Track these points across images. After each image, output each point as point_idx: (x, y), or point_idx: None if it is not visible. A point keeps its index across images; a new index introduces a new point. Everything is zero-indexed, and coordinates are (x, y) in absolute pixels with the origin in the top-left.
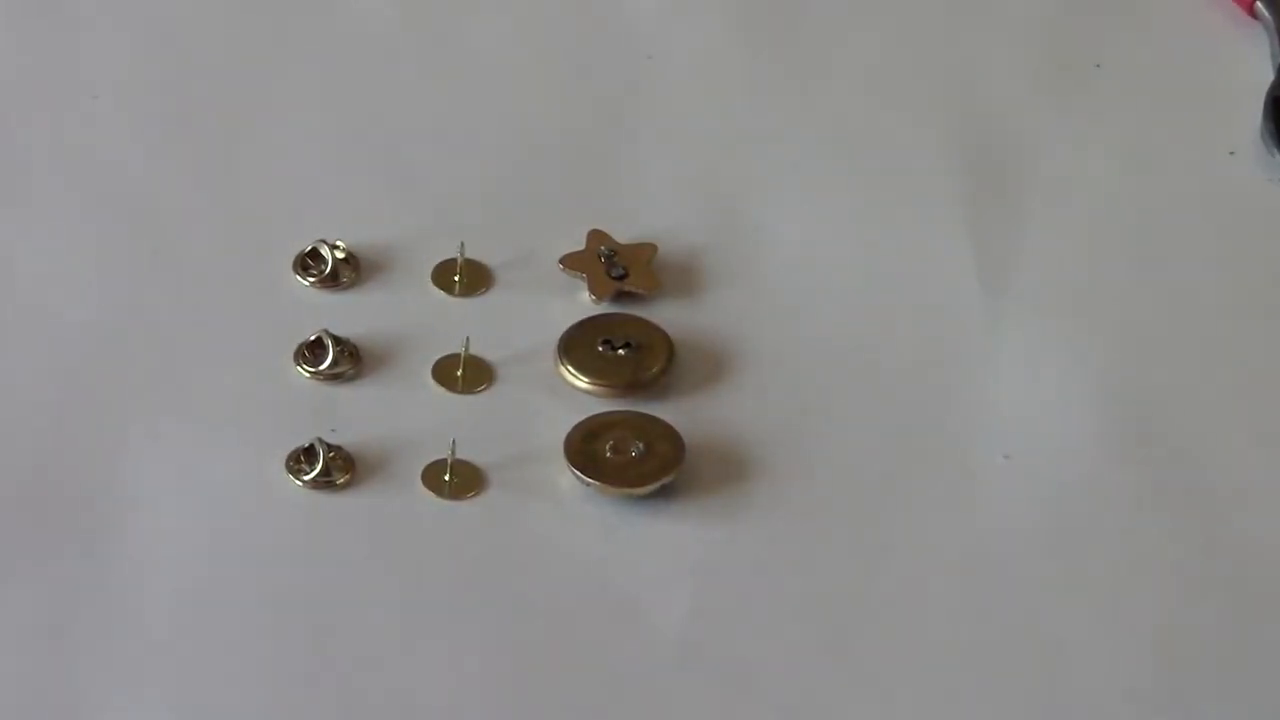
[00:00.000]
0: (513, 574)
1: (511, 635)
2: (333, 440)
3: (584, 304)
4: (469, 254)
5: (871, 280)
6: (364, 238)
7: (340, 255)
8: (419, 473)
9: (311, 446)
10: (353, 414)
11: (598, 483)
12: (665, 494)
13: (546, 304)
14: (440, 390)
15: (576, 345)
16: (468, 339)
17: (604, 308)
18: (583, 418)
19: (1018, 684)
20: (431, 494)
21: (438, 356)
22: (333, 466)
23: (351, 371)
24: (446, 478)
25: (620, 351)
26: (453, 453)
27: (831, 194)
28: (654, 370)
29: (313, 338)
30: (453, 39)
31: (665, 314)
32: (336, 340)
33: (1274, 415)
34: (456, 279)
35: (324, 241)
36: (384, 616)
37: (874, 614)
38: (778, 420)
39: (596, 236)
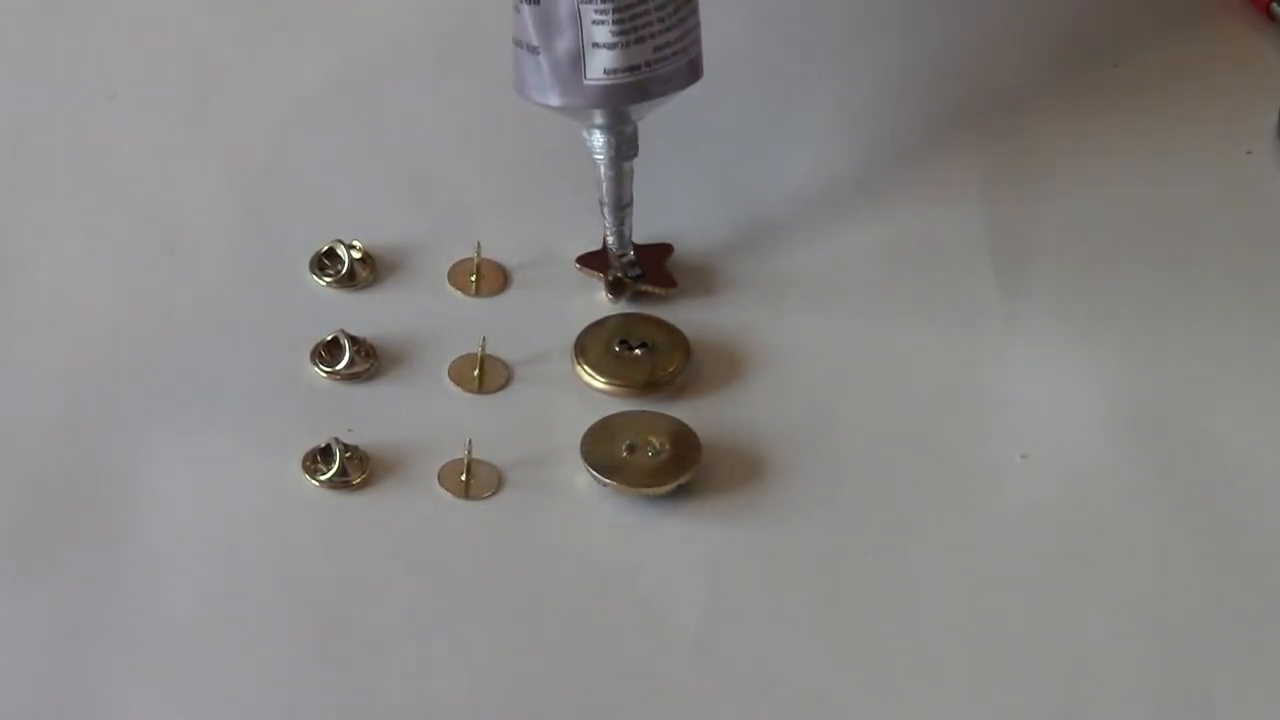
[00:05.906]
0: (529, 574)
1: (528, 635)
2: (349, 440)
3: (601, 304)
4: (485, 254)
5: (888, 279)
6: (381, 237)
7: (357, 255)
8: (435, 473)
9: (328, 446)
10: (369, 414)
11: (614, 482)
12: (682, 494)
13: (563, 304)
14: (457, 390)
15: (593, 345)
16: (484, 339)
17: (620, 307)
18: (599, 417)
19: (1035, 682)
20: (448, 494)
21: (454, 356)
22: (349, 466)
23: (368, 371)
24: (463, 477)
25: (637, 351)
26: (469, 452)
27: (847, 194)
28: (670, 370)
29: (329, 337)
30: (469, 37)
31: (682, 314)
32: (353, 340)
33: None
34: (473, 279)
35: (341, 241)
36: (400, 616)
37: (890, 613)
38: (794, 419)
39: None
